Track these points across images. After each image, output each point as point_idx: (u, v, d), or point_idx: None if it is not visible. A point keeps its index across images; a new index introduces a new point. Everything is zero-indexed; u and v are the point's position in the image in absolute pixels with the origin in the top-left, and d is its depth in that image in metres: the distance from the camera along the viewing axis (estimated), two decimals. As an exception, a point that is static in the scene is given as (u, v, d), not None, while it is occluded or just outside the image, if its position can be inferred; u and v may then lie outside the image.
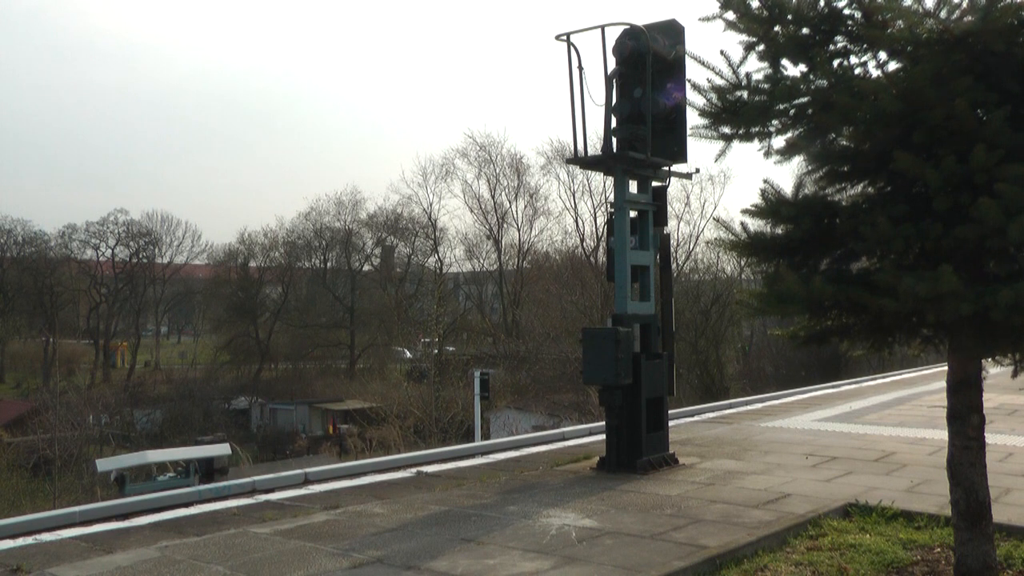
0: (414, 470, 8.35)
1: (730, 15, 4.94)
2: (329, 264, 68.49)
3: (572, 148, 8.59)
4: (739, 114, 5.00)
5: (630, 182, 8.68)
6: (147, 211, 74.71)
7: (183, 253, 70.36)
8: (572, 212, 61.02)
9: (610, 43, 8.44)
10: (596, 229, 50.56)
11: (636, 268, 8.63)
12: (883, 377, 19.21)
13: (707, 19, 5.04)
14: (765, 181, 5.17)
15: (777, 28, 4.88)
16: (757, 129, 5.05)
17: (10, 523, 7.00)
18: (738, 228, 5.37)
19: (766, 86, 4.95)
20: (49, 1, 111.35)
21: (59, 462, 31.82)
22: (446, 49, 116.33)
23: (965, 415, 4.86)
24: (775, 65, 4.97)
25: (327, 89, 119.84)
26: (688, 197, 47.49)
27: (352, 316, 64.04)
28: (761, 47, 4.94)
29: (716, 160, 5.51)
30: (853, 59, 4.86)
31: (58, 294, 65.38)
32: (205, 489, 8.12)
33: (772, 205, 5.10)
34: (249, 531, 6.04)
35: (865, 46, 4.79)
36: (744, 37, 4.97)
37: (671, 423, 9.19)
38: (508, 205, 60.23)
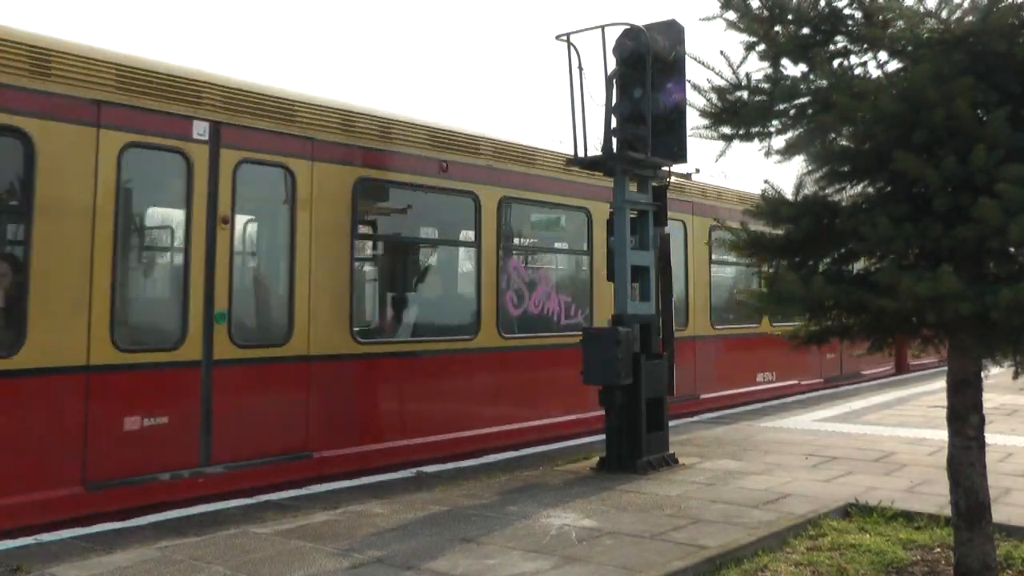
0: (414, 470, 8.35)
1: (730, 15, 4.95)
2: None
3: (572, 148, 8.59)
4: (739, 114, 5.01)
5: (630, 182, 8.69)
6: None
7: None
8: (572, 212, 60.82)
9: (610, 43, 8.45)
10: (596, 229, 50.41)
11: (636, 268, 8.63)
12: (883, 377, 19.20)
13: (707, 19, 5.05)
14: (765, 181, 5.18)
15: (777, 28, 4.88)
16: (757, 129, 5.06)
17: (10, 523, 6.97)
18: (738, 228, 5.39)
19: (766, 86, 4.95)
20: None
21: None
22: (446, 50, 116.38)
23: (965, 415, 4.87)
24: (775, 65, 4.98)
25: (325, 88, 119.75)
26: (688, 197, 47.49)
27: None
28: (761, 47, 4.94)
29: (716, 160, 5.53)
30: (853, 59, 4.87)
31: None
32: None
33: (772, 205, 5.11)
34: (249, 531, 6.03)
35: (865, 46, 4.79)
36: (744, 37, 4.97)
37: (671, 423, 9.19)
38: (508, 205, 60.13)
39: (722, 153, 5.27)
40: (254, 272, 8.74)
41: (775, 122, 5.00)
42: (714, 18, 5.02)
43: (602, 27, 8.40)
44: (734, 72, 5.05)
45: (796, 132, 5.02)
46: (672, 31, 8.57)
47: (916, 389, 16.02)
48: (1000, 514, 5.56)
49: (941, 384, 5.29)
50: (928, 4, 4.45)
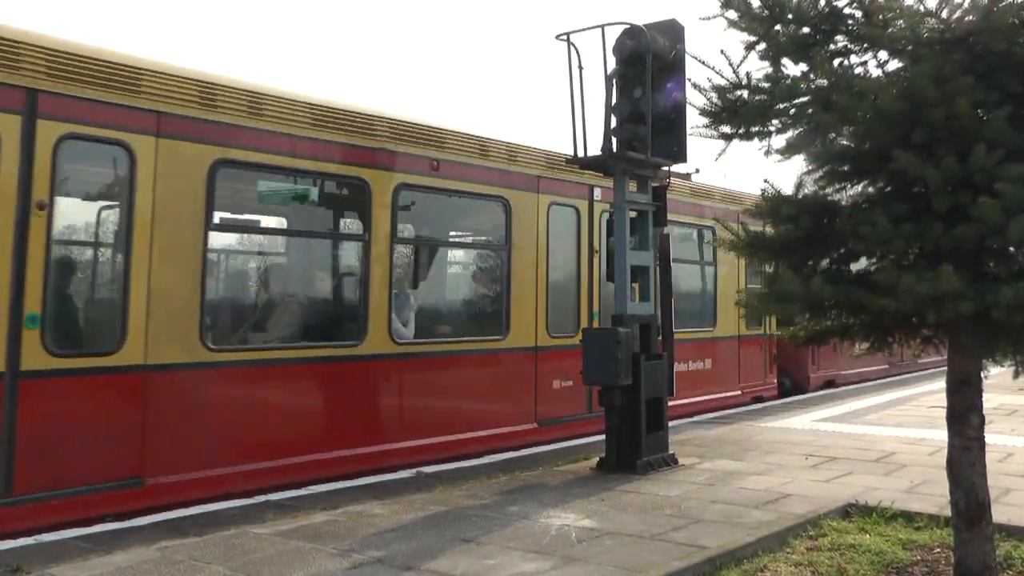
0: (414, 470, 8.34)
1: (731, 14, 4.94)
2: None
3: (572, 148, 8.58)
4: (739, 113, 5.00)
5: (630, 182, 8.68)
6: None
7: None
8: (572, 212, 60.76)
9: (610, 43, 8.44)
10: (596, 229, 50.37)
11: (636, 268, 8.63)
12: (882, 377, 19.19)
13: (708, 19, 5.05)
14: (765, 181, 5.18)
15: (778, 27, 4.88)
16: (757, 128, 5.05)
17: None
18: (738, 228, 5.39)
19: (766, 85, 4.95)
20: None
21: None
22: (446, 50, 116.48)
23: (965, 415, 4.86)
24: (776, 64, 4.97)
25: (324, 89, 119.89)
26: (688, 197, 47.45)
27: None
28: (762, 46, 4.94)
29: (716, 160, 5.53)
30: (854, 58, 4.87)
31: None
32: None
33: (772, 205, 5.11)
34: (249, 531, 6.03)
35: (866, 45, 4.79)
36: (745, 36, 4.97)
37: (671, 423, 9.19)
38: (508, 205, 60.08)
39: (722, 152, 5.28)
40: None
41: (775, 121, 5.00)
42: (714, 17, 5.02)
43: (602, 27, 8.39)
44: (734, 71, 5.05)
45: (796, 131, 5.01)
46: (672, 31, 8.58)
47: (915, 389, 16.02)
48: (1000, 514, 5.55)
49: (941, 384, 5.29)
50: (928, 4, 4.45)
